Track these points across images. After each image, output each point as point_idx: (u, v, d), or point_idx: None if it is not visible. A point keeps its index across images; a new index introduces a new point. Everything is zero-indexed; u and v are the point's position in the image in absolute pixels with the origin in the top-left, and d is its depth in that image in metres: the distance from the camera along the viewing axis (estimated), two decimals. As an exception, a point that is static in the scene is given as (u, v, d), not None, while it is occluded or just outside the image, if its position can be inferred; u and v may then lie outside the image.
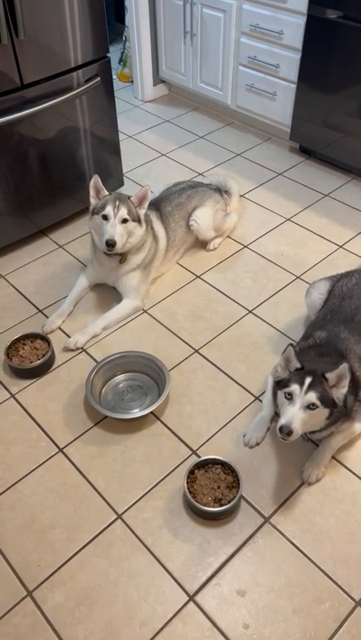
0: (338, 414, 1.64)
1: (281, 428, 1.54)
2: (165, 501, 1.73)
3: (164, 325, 2.30)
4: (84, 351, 2.20)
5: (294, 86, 3.01)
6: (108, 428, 1.93)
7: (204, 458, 1.77)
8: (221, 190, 2.72)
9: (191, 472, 1.74)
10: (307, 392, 1.55)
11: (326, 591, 1.54)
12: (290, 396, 1.57)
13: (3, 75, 2.18)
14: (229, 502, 1.66)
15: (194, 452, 1.86)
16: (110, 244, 2.10)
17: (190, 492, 1.69)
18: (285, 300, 2.40)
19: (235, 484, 1.72)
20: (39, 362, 2.08)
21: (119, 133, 2.81)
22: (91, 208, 2.20)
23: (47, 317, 2.32)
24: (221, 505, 1.67)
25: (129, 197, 2.18)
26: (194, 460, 1.78)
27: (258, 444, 1.87)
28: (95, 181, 2.18)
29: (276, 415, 1.84)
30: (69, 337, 2.23)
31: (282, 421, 1.55)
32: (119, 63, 4.19)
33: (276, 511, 1.71)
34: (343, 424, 1.74)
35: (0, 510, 1.72)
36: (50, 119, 2.42)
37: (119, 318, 2.30)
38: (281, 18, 2.88)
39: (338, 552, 1.62)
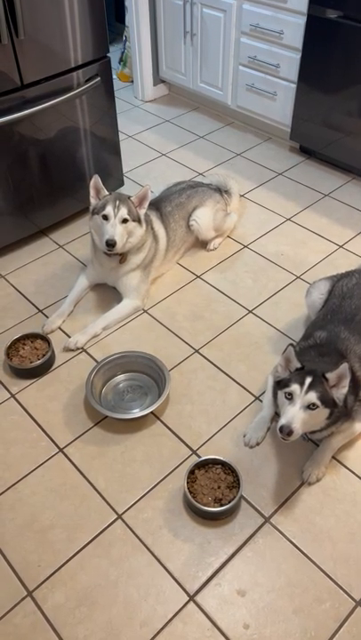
0: (338, 414, 1.64)
1: (281, 428, 1.54)
2: (166, 501, 1.73)
3: (164, 325, 2.30)
4: (85, 351, 2.20)
5: (294, 86, 3.01)
6: (108, 428, 1.93)
7: (204, 458, 1.77)
8: (221, 190, 2.72)
9: (191, 472, 1.74)
10: (307, 392, 1.55)
11: (327, 591, 1.54)
12: (290, 396, 1.57)
13: (3, 75, 2.18)
14: (230, 502, 1.66)
15: (194, 452, 1.86)
16: (110, 243, 2.10)
17: (190, 492, 1.69)
18: (286, 300, 2.40)
19: (235, 483, 1.72)
20: (39, 362, 2.08)
21: (119, 133, 2.81)
22: (91, 208, 2.20)
23: (47, 317, 2.32)
24: (222, 505, 1.67)
25: (129, 197, 2.18)
26: (194, 459, 1.78)
27: (258, 444, 1.87)
28: (95, 181, 2.18)
29: (277, 415, 1.84)
30: (69, 337, 2.23)
31: (282, 421, 1.55)
32: (119, 63, 4.19)
33: (276, 511, 1.71)
34: (343, 424, 1.74)
35: (0, 510, 1.72)
36: (50, 119, 2.42)
37: (119, 318, 2.30)
38: (281, 18, 2.88)
39: (338, 552, 1.61)
